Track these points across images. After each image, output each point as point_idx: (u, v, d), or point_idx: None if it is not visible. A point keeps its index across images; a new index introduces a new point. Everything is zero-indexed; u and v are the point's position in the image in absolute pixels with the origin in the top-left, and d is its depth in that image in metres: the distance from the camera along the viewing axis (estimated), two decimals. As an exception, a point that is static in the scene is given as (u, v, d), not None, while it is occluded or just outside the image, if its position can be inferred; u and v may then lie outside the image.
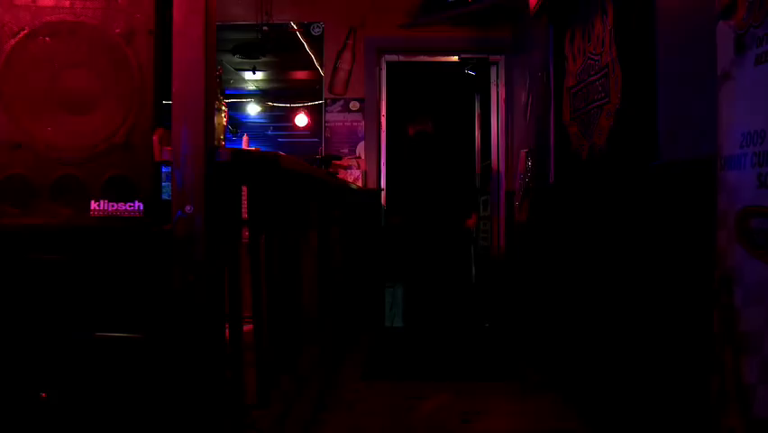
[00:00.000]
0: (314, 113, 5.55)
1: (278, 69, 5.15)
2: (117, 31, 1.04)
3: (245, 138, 2.85)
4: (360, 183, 3.48)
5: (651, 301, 1.45)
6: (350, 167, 3.53)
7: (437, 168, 3.25)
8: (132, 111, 1.04)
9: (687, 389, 1.25)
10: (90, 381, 1.03)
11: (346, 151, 3.55)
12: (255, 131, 6.81)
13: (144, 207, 1.04)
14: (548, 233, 2.53)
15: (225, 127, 2.24)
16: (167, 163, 1.03)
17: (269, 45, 3.87)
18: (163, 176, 1.09)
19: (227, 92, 5.40)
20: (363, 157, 3.54)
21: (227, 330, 1.19)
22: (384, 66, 3.62)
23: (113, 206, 1.02)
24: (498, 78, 3.64)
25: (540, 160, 2.72)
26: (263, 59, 4.58)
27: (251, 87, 5.67)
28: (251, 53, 4.36)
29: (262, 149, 3.47)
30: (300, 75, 5.22)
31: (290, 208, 1.74)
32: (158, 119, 1.06)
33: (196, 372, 1.02)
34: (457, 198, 3.19)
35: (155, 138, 1.04)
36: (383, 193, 3.64)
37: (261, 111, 6.16)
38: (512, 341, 3.13)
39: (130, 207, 1.03)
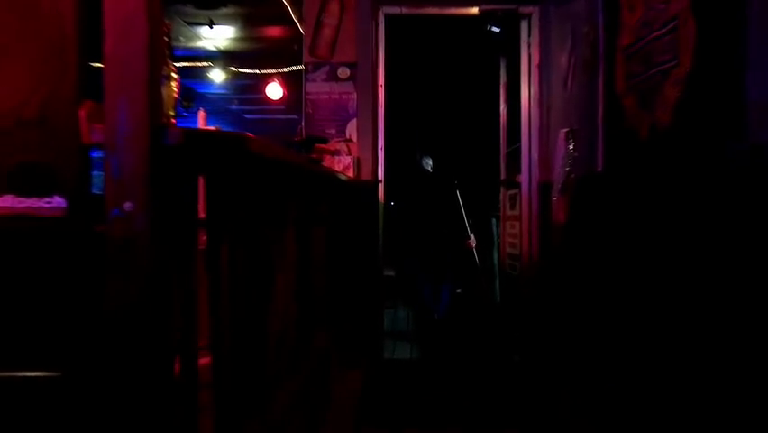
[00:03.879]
0: (290, 82, 5.53)
1: (243, 24, 5.13)
2: (29, -31, 1.02)
3: (201, 114, 2.83)
4: (351, 173, 3.47)
5: (743, 330, 1.44)
6: (338, 152, 3.52)
7: (448, 201, 4.29)
8: (49, 76, 1.02)
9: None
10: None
11: (333, 131, 3.53)
12: (215, 105, 6.79)
13: (68, 203, 1.02)
14: (596, 236, 2.52)
15: (176, 100, 2.23)
16: (98, 146, 1.02)
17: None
18: (94, 163, 1.07)
19: (177, 53, 5.38)
20: (355, 140, 3.53)
21: (177, 364, 1.18)
22: (382, 21, 3.60)
23: (22, 202, 1.01)
24: (530, 36, 3.63)
25: (585, 141, 2.72)
26: (224, 9, 4.56)
27: (209, 46, 5.65)
28: (209, 2, 4.34)
29: (224, 128, 3.43)
30: (273, 32, 5.19)
31: (261, 206, 1.72)
32: (85, 88, 1.04)
33: (136, 419, 1.00)
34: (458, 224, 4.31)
35: (82, 113, 1.03)
36: (381, 186, 3.63)
37: (225, 79, 6.14)
38: (549, 380, 3.12)
39: (47, 203, 1.01)
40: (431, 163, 4.42)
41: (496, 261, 4.62)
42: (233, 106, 7.06)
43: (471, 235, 4.29)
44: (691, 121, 1.70)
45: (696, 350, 1.67)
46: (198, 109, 3.00)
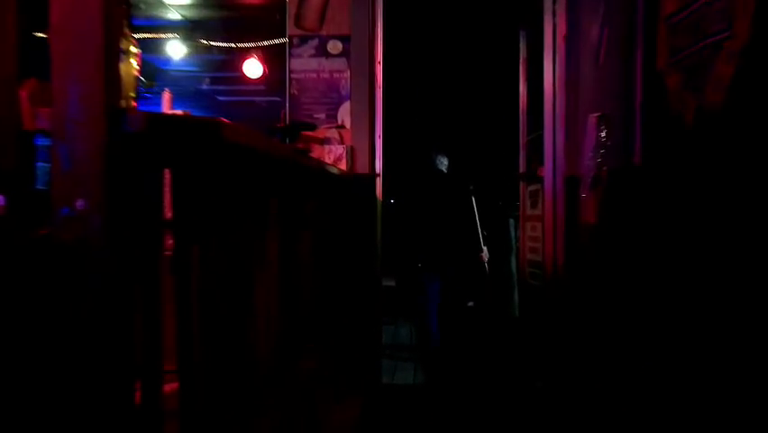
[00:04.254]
0: (272, 58, 5.52)
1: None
2: None
3: (167, 95, 2.82)
4: (344, 165, 3.46)
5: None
6: (328, 141, 3.52)
7: (462, 207, 4.44)
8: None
9: None
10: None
11: (323, 116, 3.53)
12: (182, 85, 6.78)
13: (6, 200, 1.01)
14: (632, 240, 2.52)
15: (137, 79, 2.22)
16: (44, 133, 1.02)
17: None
18: (38, 152, 1.06)
19: (136, 23, 5.37)
20: (349, 126, 3.53)
21: (138, 391, 1.17)
22: (381, -14, 3.61)
23: (-49, 199, 1.00)
24: (555, 2, 3.63)
25: (620, 128, 2.71)
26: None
27: (175, 15, 5.64)
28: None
29: (194, 113, 3.44)
30: (251, -1, 5.19)
31: (238, 204, 1.72)
32: (27, 64, 1.04)
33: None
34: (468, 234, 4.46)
35: (23, 94, 1.02)
36: (379, 180, 3.62)
37: (195, 54, 6.13)
38: (580, 413, 3.11)
39: (-18, 200, 1.00)
40: (446, 163, 4.45)
41: (514, 269, 4.63)
42: (204, 87, 7.04)
43: (485, 249, 4.36)
44: (747, 103, 1.69)
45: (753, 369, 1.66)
46: (163, 90, 2.99)
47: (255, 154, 1.72)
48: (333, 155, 3.49)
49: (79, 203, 1.00)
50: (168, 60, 6.35)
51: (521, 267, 4.35)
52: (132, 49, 2.11)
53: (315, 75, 3.56)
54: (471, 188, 4.41)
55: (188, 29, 5.93)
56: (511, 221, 4.76)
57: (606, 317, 2.88)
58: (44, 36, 1.01)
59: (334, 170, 3.21)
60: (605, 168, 2.88)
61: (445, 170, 4.49)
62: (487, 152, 4.76)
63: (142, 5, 5.32)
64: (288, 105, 3.57)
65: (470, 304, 4.78)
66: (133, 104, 2.12)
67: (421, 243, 4.26)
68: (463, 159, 4.45)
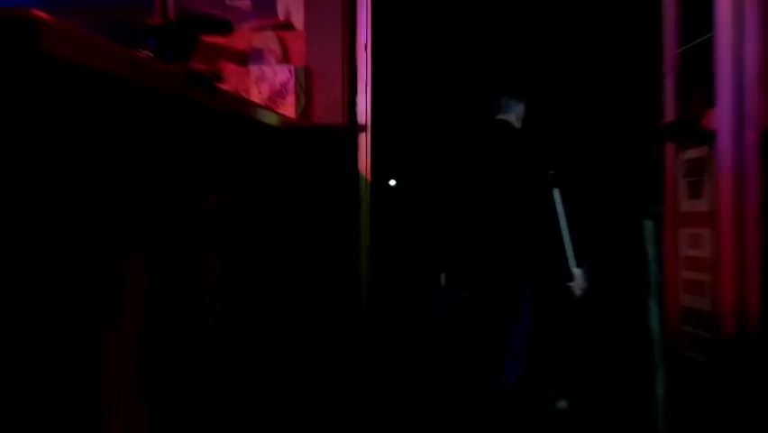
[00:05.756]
0: None
1: None
2: None
3: None
4: (290, 109, 3.49)
5: None
6: (258, 55, 3.56)
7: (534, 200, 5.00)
8: None
9: None
10: None
11: (246, 2, 3.56)
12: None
13: None
14: None
15: None
16: None
17: None
18: None
19: None
20: (301, 26, 3.56)
21: None
22: None
23: None
24: None
25: None
26: None
27: None
28: None
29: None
30: None
31: (67, 184, 1.75)
32: None
33: None
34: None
35: None
36: (365, 139, 3.65)
37: None
38: None
39: None
40: (520, 112, 4.54)
41: (656, 325, 4.64)
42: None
43: (578, 272, 4.43)
44: None
45: None
46: None
47: (103, 82, 1.74)
48: (269, 86, 3.53)
49: None
50: None
51: (669, 322, 4.35)
52: None
53: None
54: (553, 173, 4.49)
55: None
56: (647, 225, 4.75)
57: None
58: None
59: (271, 119, 3.23)
60: None
61: (517, 125, 4.57)
62: (595, 86, 4.87)
63: None
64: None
65: (563, 404, 4.88)
66: None
67: (452, 262, 4.36)
68: (543, 105, 4.56)
